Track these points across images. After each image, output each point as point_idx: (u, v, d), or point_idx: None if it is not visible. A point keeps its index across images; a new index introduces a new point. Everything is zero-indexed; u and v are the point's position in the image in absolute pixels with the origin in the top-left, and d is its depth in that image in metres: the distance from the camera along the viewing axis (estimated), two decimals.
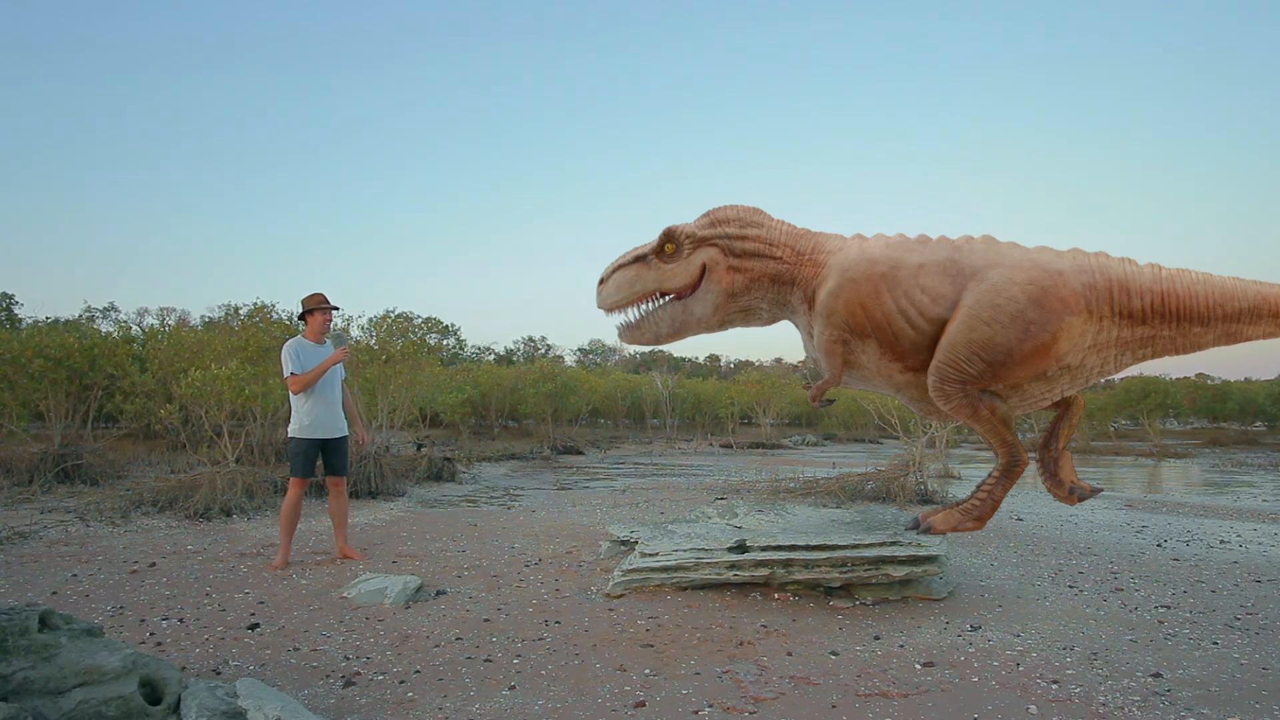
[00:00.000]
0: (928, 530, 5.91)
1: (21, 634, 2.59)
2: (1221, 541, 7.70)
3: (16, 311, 26.79)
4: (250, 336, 10.93)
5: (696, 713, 3.18)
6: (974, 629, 4.42)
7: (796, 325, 6.04)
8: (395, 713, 3.16)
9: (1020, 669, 3.75)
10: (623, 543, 6.17)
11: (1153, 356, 6.06)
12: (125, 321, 28.89)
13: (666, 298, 5.61)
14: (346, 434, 6.23)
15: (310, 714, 2.83)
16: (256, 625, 4.32)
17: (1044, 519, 9.14)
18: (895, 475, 10.70)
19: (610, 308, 5.57)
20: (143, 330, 17.15)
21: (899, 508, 9.21)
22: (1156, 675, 3.68)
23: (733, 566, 5.00)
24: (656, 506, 9.74)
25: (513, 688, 3.44)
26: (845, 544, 4.96)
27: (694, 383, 35.64)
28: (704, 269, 5.50)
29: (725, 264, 5.51)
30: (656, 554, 5.15)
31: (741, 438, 27.40)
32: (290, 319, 12.95)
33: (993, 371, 5.42)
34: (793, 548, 4.97)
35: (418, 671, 3.64)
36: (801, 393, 35.68)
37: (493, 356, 48.02)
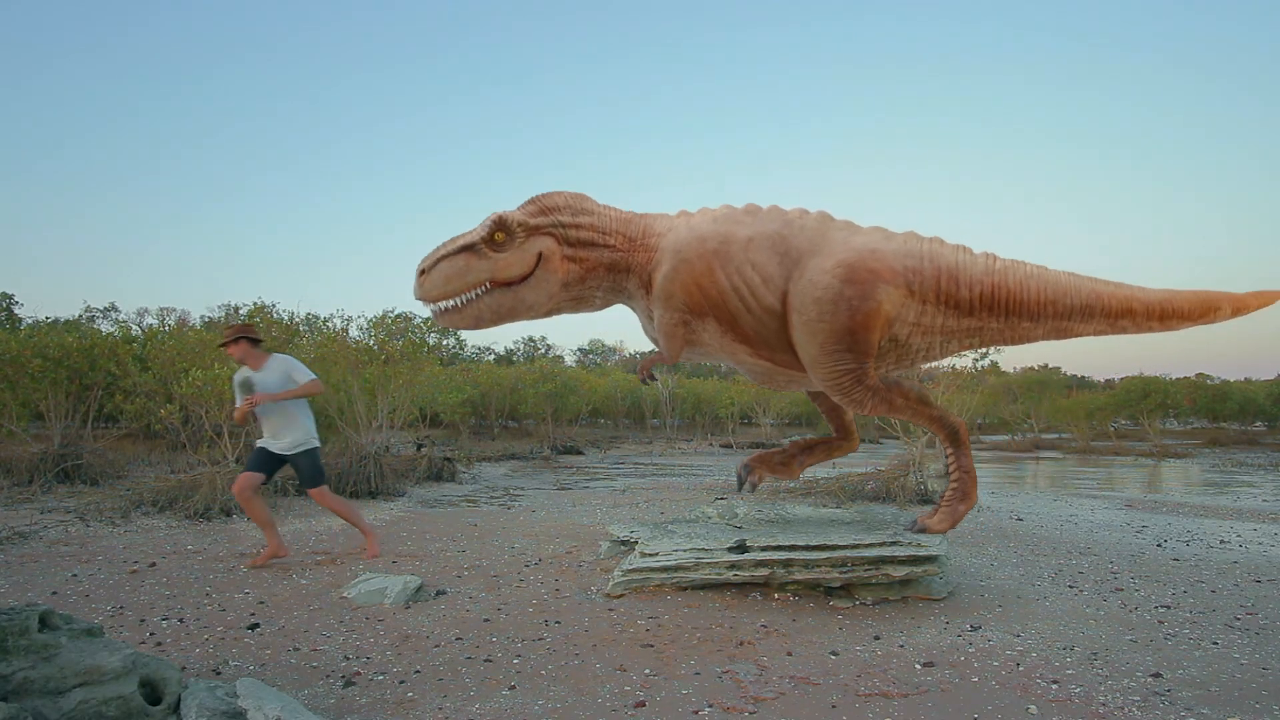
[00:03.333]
0: (924, 530, 5.95)
1: (21, 634, 2.59)
2: (1221, 541, 7.70)
3: (16, 311, 26.78)
4: None
5: (696, 713, 3.18)
6: (974, 629, 4.41)
7: (633, 310, 5.98)
8: (395, 713, 3.16)
9: (1020, 669, 3.75)
10: (623, 543, 6.17)
11: (980, 346, 6.08)
12: (125, 321, 28.89)
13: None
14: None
15: (310, 714, 2.83)
16: (256, 625, 4.31)
17: (1044, 519, 9.14)
18: (895, 475, 10.70)
19: (437, 298, 5.34)
20: (143, 330, 17.14)
21: (899, 508, 9.21)
22: (1156, 675, 3.68)
23: (733, 566, 5.00)
24: (656, 506, 9.73)
25: (513, 688, 3.44)
26: (845, 544, 4.96)
27: (694, 383, 35.63)
28: (539, 258, 5.35)
29: (561, 253, 5.39)
30: (656, 554, 5.15)
31: (741, 438, 27.40)
32: (291, 319, 12.95)
33: (858, 351, 5.43)
34: (793, 548, 4.97)
35: (418, 671, 3.64)
36: (802, 392, 35.71)
37: (493, 356, 48.04)
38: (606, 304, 5.89)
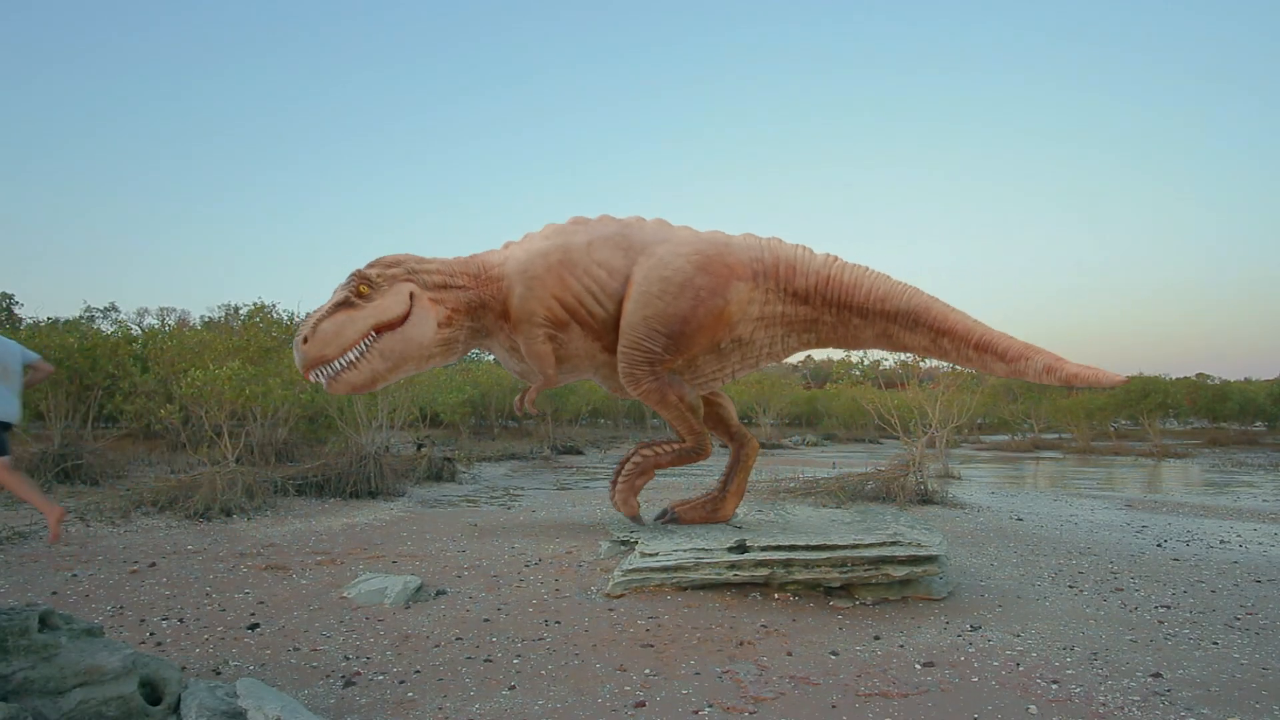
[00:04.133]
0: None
1: (21, 634, 2.59)
2: (1221, 541, 7.70)
3: (16, 311, 26.79)
4: (250, 337, 10.94)
5: (696, 713, 3.18)
6: (974, 629, 4.42)
7: (493, 349, 6.04)
8: (395, 713, 3.16)
9: (1020, 669, 3.75)
10: (623, 543, 6.17)
11: (817, 344, 6.16)
12: (125, 321, 28.89)
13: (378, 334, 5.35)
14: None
15: (310, 714, 2.83)
16: (256, 625, 4.31)
17: (1044, 519, 9.14)
18: (895, 475, 10.70)
19: (325, 360, 5.22)
20: (143, 330, 17.14)
21: (899, 508, 9.21)
22: (1156, 675, 3.68)
23: (733, 566, 5.00)
24: (656, 506, 9.73)
25: (513, 688, 3.44)
26: (845, 544, 4.96)
27: None
28: (412, 296, 5.42)
29: (426, 295, 5.48)
30: (656, 554, 5.16)
31: None
32: (292, 319, 12.95)
33: (675, 344, 5.51)
34: (793, 548, 4.97)
35: (418, 671, 3.64)
36: (802, 392, 35.70)
37: (492, 357, 48.00)
38: (467, 349, 5.91)
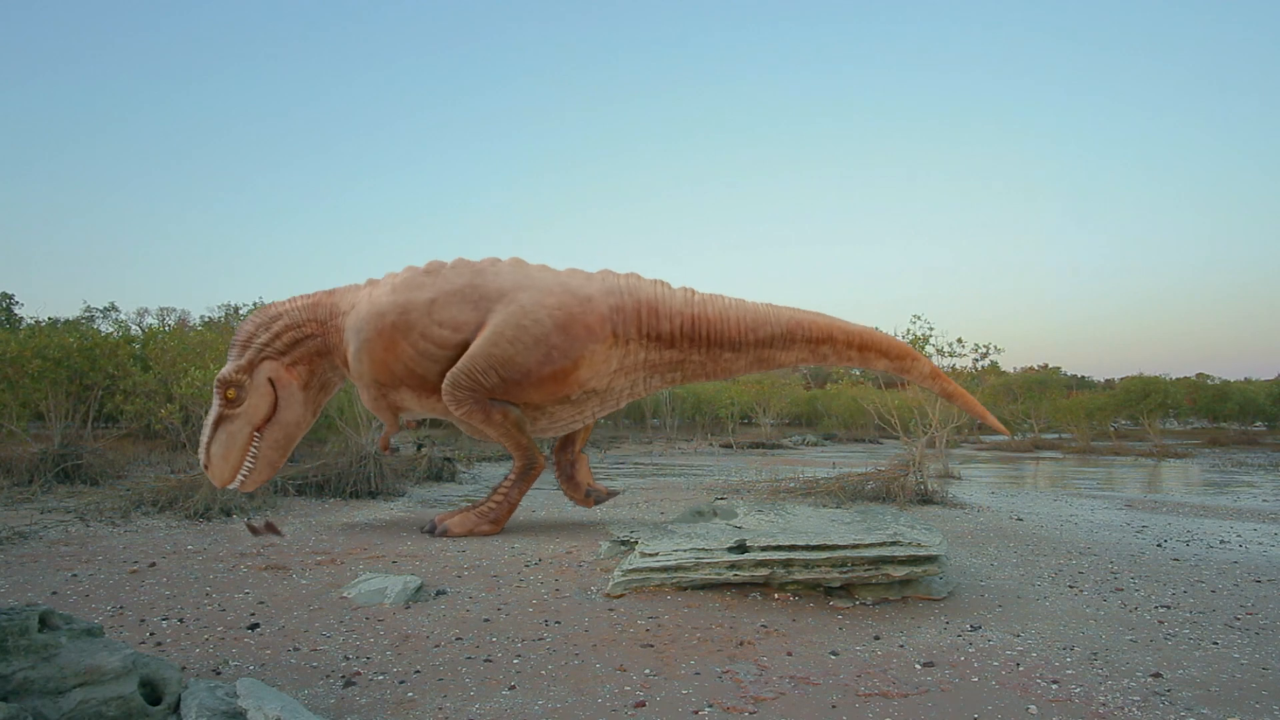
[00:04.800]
0: (444, 533, 6.16)
1: (21, 634, 2.59)
2: (1221, 541, 7.70)
3: (16, 311, 26.79)
4: None
5: (696, 713, 3.18)
6: (974, 629, 4.42)
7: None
8: (395, 713, 3.16)
9: (1020, 669, 3.75)
10: (623, 543, 6.17)
11: (683, 381, 6.13)
12: (125, 321, 28.90)
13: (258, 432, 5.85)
14: None
15: (310, 714, 2.83)
16: (256, 625, 4.32)
17: (1044, 519, 9.14)
18: (895, 475, 10.71)
19: (232, 475, 5.84)
20: (143, 330, 17.14)
21: (899, 508, 9.21)
22: (1156, 675, 3.68)
23: (733, 566, 5.00)
24: (656, 506, 9.73)
25: (513, 688, 3.44)
26: (845, 544, 4.96)
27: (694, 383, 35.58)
28: (271, 383, 5.77)
29: (282, 365, 5.79)
30: (656, 554, 5.16)
31: (741, 438, 27.40)
32: None
33: (506, 388, 5.50)
34: (793, 548, 4.97)
35: (418, 671, 3.64)
36: (802, 392, 35.68)
37: None
38: (341, 380, 6.25)
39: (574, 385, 5.49)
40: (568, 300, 5.49)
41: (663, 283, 5.79)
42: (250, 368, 5.71)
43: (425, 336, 5.52)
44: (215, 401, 5.75)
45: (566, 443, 6.67)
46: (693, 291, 5.73)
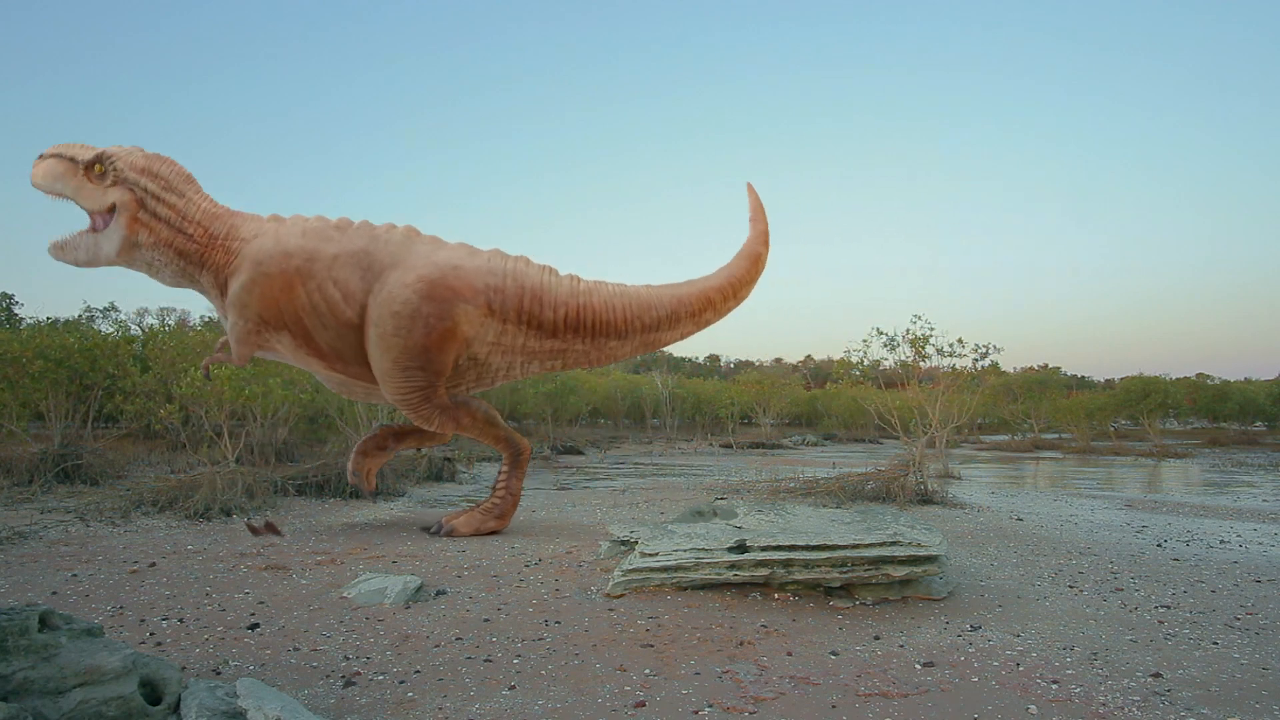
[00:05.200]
0: (450, 533, 6.12)
1: (21, 634, 2.59)
2: (1221, 541, 7.70)
3: (16, 311, 26.78)
4: None
5: (696, 713, 3.18)
6: (974, 629, 4.42)
7: (207, 297, 6.09)
8: (395, 713, 3.16)
9: (1020, 669, 3.75)
10: (623, 543, 6.17)
11: (564, 368, 6.12)
12: (125, 322, 28.88)
13: (85, 226, 5.66)
14: None
15: (310, 714, 2.83)
16: (256, 625, 4.31)
17: (1044, 519, 9.14)
18: (895, 475, 10.71)
19: (34, 185, 5.57)
20: (143, 330, 17.14)
21: (899, 508, 9.21)
22: (1156, 675, 3.68)
23: (733, 566, 5.00)
24: (656, 506, 9.73)
25: (513, 688, 3.44)
26: (845, 544, 4.96)
27: (694, 383, 35.66)
28: (113, 209, 5.51)
29: (134, 213, 5.52)
30: (656, 554, 5.15)
31: (741, 438, 27.40)
32: None
33: (430, 369, 5.50)
34: (793, 548, 4.97)
35: (418, 671, 3.64)
36: (802, 392, 35.70)
37: None
38: (177, 284, 5.98)
39: (462, 343, 5.54)
40: (427, 272, 5.53)
41: (550, 269, 5.80)
42: (121, 181, 5.40)
43: (320, 290, 5.52)
44: (87, 153, 5.40)
45: (401, 434, 6.73)
46: (579, 279, 5.75)
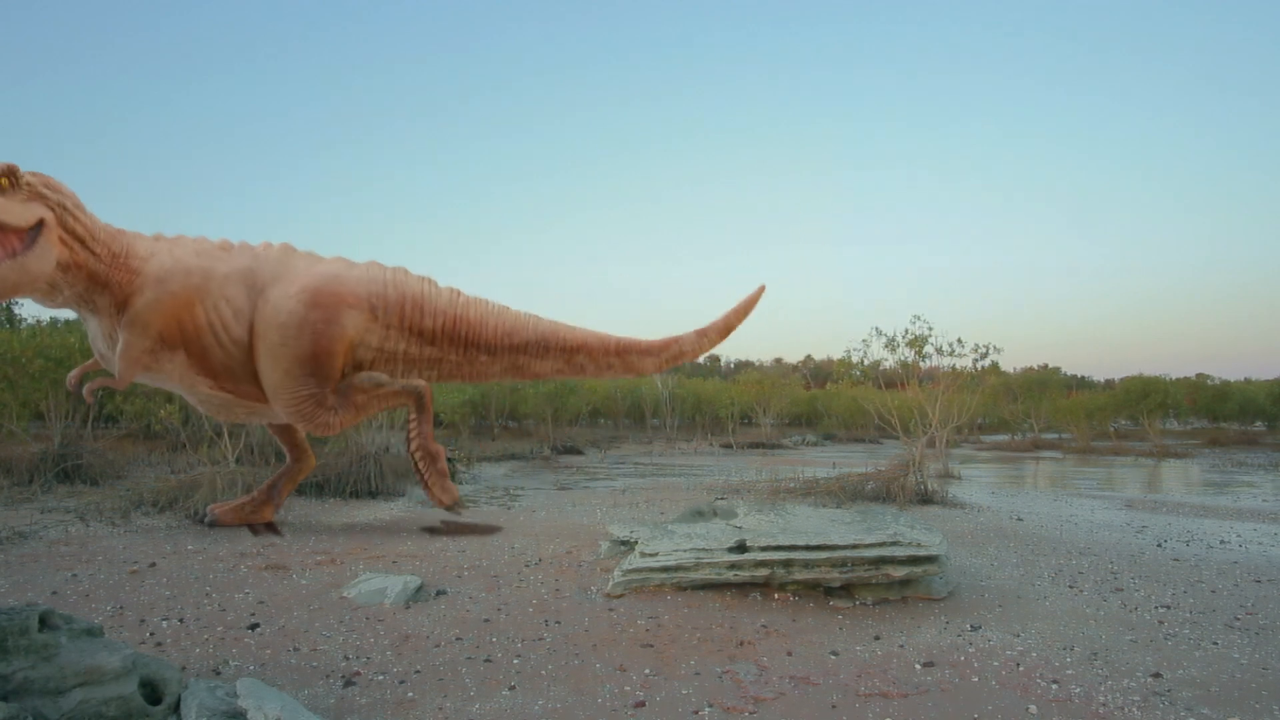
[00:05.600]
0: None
1: (21, 634, 2.59)
2: (1221, 541, 7.70)
3: (17, 311, 26.78)
4: None
5: (696, 713, 3.18)
6: (974, 629, 4.42)
7: (85, 320, 5.79)
8: (395, 713, 3.16)
9: (1020, 669, 3.75)
10: (623, 543, 6.17)
11: (440, 380, 6.15)
12: None
13: None
14: None
15: (310, 714, 2.83)
16: (256, 625, 4.32)
17: (1044, 519, 9.14)
18: (895, 475, 10.71)
19: None
20: None
21: (899, 508, 9.21)
22: (1156, 675, 3.68)
23: (733, 566, 5.00)
24: (656, 506, 9.74)
25: (513, 688, 3.44)
26: (845, 544, 4.96)
27: (694, 383, 35.65)
28: (41, 224, 5.11)
29: (58, 232, 5.19)
30: (656, 554, 5.16)
31: (741, 438, 27.40)
32: None
33: (320, 375, 5.52)
34: (793, 548, 4.97)
35: (418, 671, 3.64)
36: (802, 392, 35.71)
37: None
38: (64, 305, 5.64)
39: (348, 351, 5.58)
40: (308, 282, 5.58)
41: (430, 280, 5.89)
42: (39, 198, 5.02)
43: (215, 309, 5.54)
44: None
45: (277, 481, 6.80)
46: (458, 292, 5.83)
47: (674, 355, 5.94)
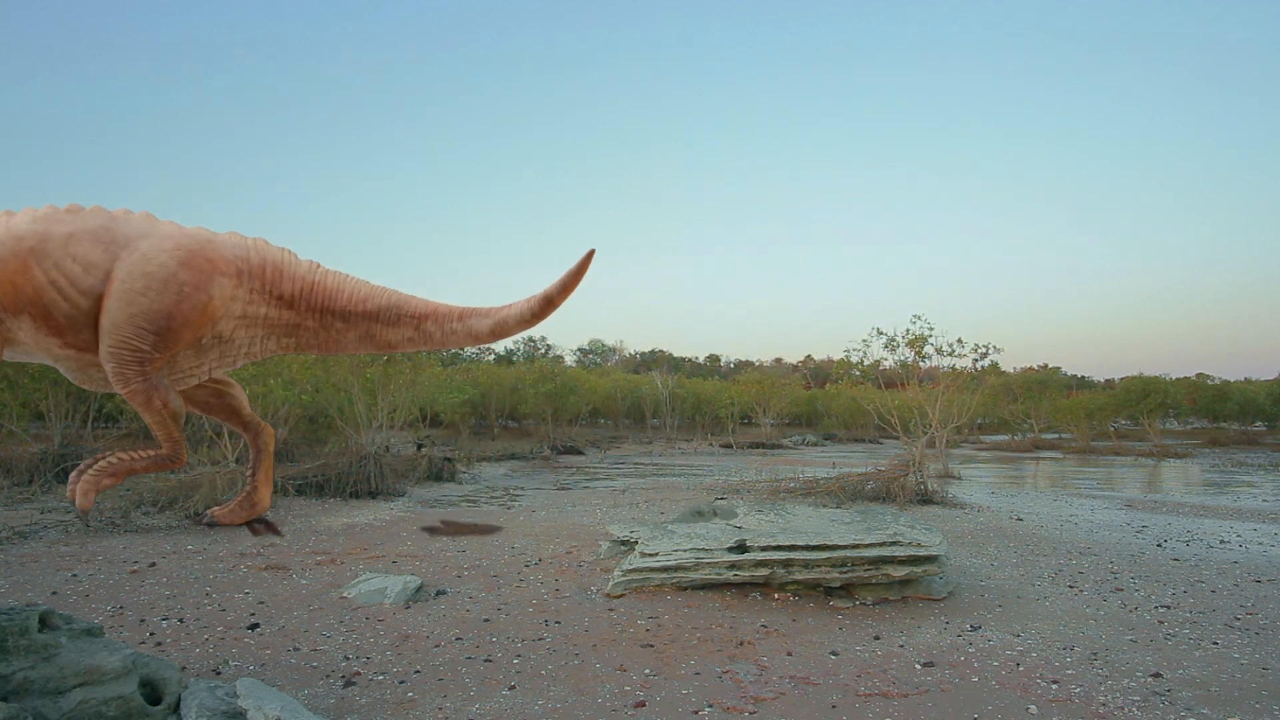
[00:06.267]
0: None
1: (21, 634, 2.59)
2: (1221, 541, 7.70)
3: None
4: None
5: (696, 713, 3.18)
6: (974, 629, 4.42)
7: None
8: (395, 713, 3.16)
9: (1020, 669, 3.75)
10: (623, 543, 6.17)
11: (298, 348, 6.29)
12: None
13: None
14: None
15: (310, 714, 2.83)
16: (256, 625, 4.32)
17: (1044, 519, 9.14)
18: (895, 475, 10.71)
19: None
20: None
21: (899, 508, 9.21)
22: (1156, 675, 3.68)
23: (733, 566, 5.00)
24: (656, 506, 9.74)
25: (513, 688, 3.44)
26: (845, 544, 4.96)
27: (694, 383, 35.65)
28: None
29: None
30: (656, 554, 5.16)
31: (741, 438, 27.40)
32: None
33: (162, 340, 5.59)
34: (793, 548, 4.97)
35: (418, 671, 3.64)
36: (802, 392, 35.72)
37: (493, 357, 48.04)
38: None
39: (211, 319, 5.67)
40: (185, 241, 5.70)
41: (289, 251, 6.07)
42: None
43: (58, 267, 5.65)
44: None
45: (253, 470, 6.86)
46: (317, 264, 6.01)
47: (503, 319, 6.06)
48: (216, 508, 6.84)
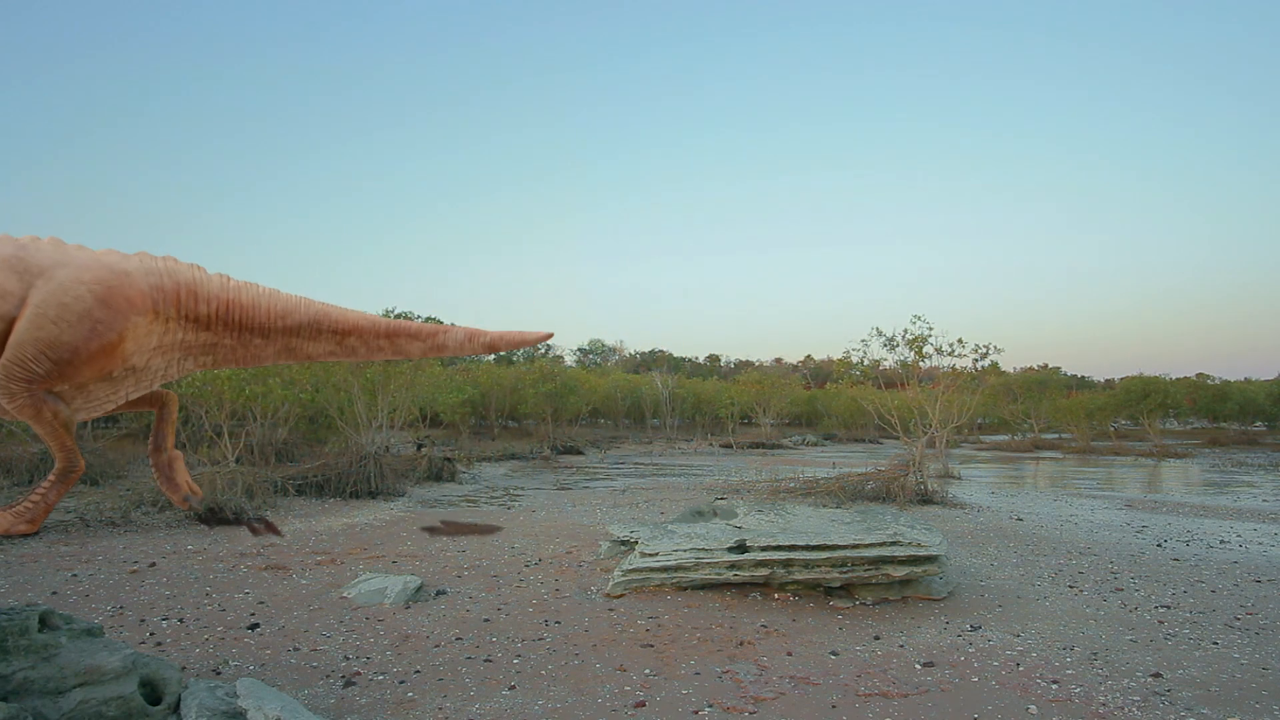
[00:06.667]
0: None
1: (21, 634, 2.59)
2: (1221, 541, 7.70)
3: None
4: None
5: (696, 713, 3.19)
6: (974, 629, 4.42)
7: None
8: (395, 713, 3.16)
9: (1020, 669, 3.75)
10: (623, 543, 6.17)
11: (215, 365, 6.25)
12: None
13: None
14: None
15: (310, 714, 2.83)
16: (256, 625, 4.32)
17: (1044, 519, 9.14)
18: (895, 475, 10.71)
19: None
20: None
21: (899, 508, 9.21)
22: (1156, 675, 3.68)
23: (733, 566, 5.00)
24: (656, 506, 9.74)
25: (513, 688, 3.44)
26: (845, 544, 4.96)
27: (694, 383, 35.64)
28: None
29: None
30: (656, 554, 5.16)
31: (741, 438, 27.40)
32: None
33: (60, 370, 5.58)
34: (793, 548, 4.97)
35: (418, 671, 3.64)
36: (802, 392, 35.72)
37: (493, 357, 48.02)
38: None
39: (119, 359, 5.65)
40: (105, 275, 5.66)
41: (199, 268, 6.05)
42: None
43: None
44: None
45: (158, 443, 6.85)
46: (228, 278, 5.98)
47: (438, 345, 6.04)
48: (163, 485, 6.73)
